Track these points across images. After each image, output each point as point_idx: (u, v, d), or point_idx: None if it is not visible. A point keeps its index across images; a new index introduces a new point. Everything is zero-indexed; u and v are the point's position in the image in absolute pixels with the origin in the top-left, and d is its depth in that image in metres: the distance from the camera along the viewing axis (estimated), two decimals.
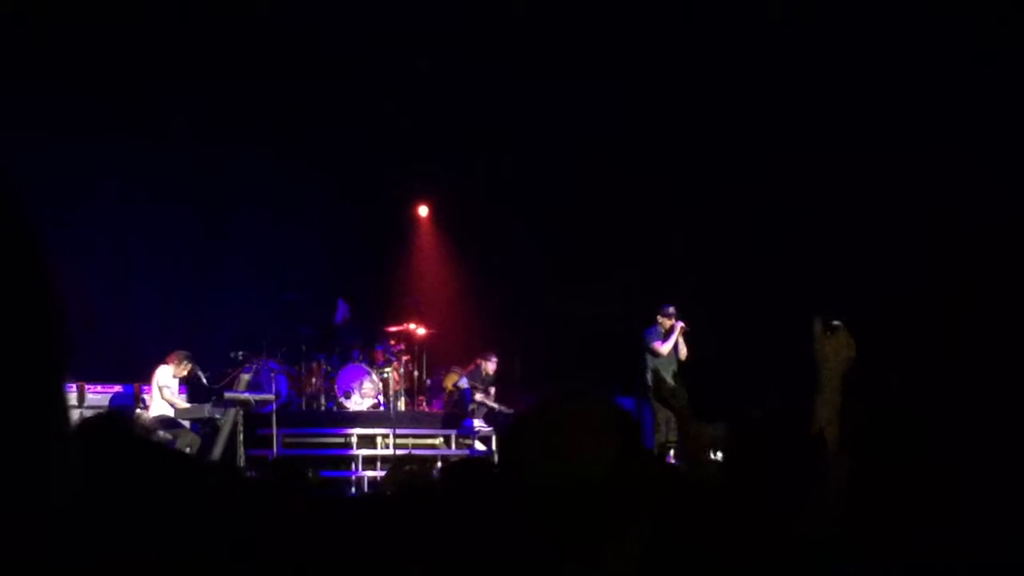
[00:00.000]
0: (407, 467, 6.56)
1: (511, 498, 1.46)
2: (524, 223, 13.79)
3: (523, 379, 13.16)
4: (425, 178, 14.30)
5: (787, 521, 2.17)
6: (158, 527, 1.08)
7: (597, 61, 11.81)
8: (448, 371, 12.78)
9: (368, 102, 13.03)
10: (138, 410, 10.47)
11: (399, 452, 11.05)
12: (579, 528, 1.43)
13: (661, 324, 11.33)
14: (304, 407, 11.93)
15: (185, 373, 10.61)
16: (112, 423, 1.19)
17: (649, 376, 11.19)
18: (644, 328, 11.38)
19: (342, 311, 12.78)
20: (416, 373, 12.92)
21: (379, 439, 11.54)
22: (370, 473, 10.95)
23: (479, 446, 12.08)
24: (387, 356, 12.38)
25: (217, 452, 9.98)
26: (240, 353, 11.57)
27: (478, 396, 12.36)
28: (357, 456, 11.25)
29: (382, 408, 11.87)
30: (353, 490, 10.39)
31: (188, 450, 9.17)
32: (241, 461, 9.92)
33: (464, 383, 12.42)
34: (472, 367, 12.65)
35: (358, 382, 12.04)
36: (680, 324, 11.26)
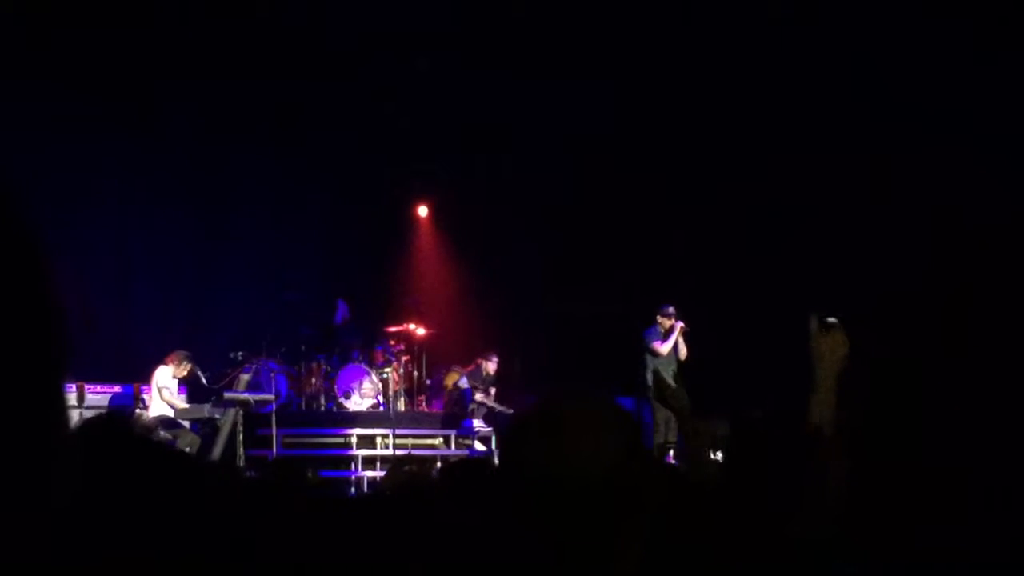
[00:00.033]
0: (407, 467, 6.56)
1: (511, 498, 1.46)
2: (524, 223, 13.79)
3: (523, 379, 13.16)
4: (425, 178, 14.31)
5: (787, 521, 2.17)
6: (158, 527, 1.08)
7: (597, 61, 11.81)
8: (449, 370, 12.78)
9: (368, 102, 13.03)
10: (138, 410, 10.47)
11: (399, 452, 11.05)
12: (579, 528, 1.43)
13: (661, 324, 11.33)
14: (304, 407, 11.94)
15: (185, 373, 10.61)
16: (112, 423, 1.19)
17: (649, 376, 11.19)
18: (644, 328, 11.39)
19: (342, 311, 12.78)
20: (416, 373, 12.92)
21: (379, 439, 11.54)
22: (370, 473, 10.95)
23: (479, 446, 12.08)
24: (387, 356, 12.38)
25: (217, 452, 9.98)
26: (240, 353, 11.57)
27: (478, 396, 12.36)
28: (357, 456, 11.26)
29: (382, 408, 11.88)
30: (353, 490, 10.39)
31: (188, 450, 9.16)
32: (241, 461, 9.92)
33: (464, 383, 12.42)
34: (473, 366, 12.65)
35: (358, 382, 12.04)
36: (680, 324, 11.26)
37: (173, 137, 12.83)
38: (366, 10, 11.57)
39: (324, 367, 12.17)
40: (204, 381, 10.97)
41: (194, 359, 10.73)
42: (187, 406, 10.59)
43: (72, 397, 10.01)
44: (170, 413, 10.38)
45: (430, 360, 13.14)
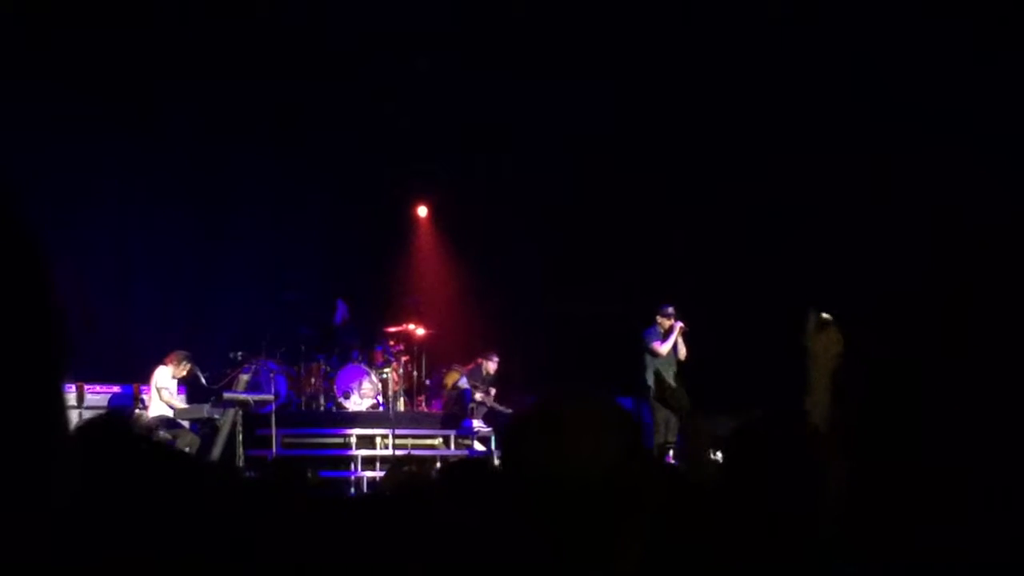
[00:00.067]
0: (406, 467, 6.56)
1: (511, 498, 1.46)
2: (524, 223, 13.79)
3: (523, 379, 13.16)
4: (425, 178, 14.30)
5: (787, 521, 2.17)
6: (158, 527, 1.08)
7: (597, 61, 11.81)
8: (449, 369, 12.78)
9: (368, 102, 13.03)
10: (137, 410, 10.47)
11: (398, 452, 11.05)
12: (579, 528, 1.43)
13: (660, 324, 11.33)
14: (303, 407, 11.93)
15: (184, 374, 10.61)
16: (111, 423, 1.19)
17: (650, 377, 11.20)
18: (644, 328, 11.39)
19: (341, 311, 12.78)
20: (415, 373, 12.92)
21: (378, 439, 11.54)
22: (369, 473, 10.95)
23: (478, 446, 12.08)
24: (386, 356, 12.38)
25: (216, 452, 9.98)
26: (239, 353, 11.57)
27: (478, 396, 12.37)
28: (356, 456, 11.25)
29: (381, 408, 11.87)
30: (352, 490, 10.38)
31: (187, 450, 9.16)
32: (240, 461, 9.92)
33: (464, 382, 12.42)
34: (473, 366, 12.65)
35: (357, 382, 12.04)
36: (679, 324, 11.27)
37: (173, 137, 12.83)
38: (366, 10, 11.57)
39: (324, 367, 12.16)
40: (204, 381, 10.97)
41: (194, 359, 10.73)
42: (186, 406, 10.59)
43: (72, 397, 10.01)
44: (169, 413, 10.38)
45: (430, 360, 13.13)
